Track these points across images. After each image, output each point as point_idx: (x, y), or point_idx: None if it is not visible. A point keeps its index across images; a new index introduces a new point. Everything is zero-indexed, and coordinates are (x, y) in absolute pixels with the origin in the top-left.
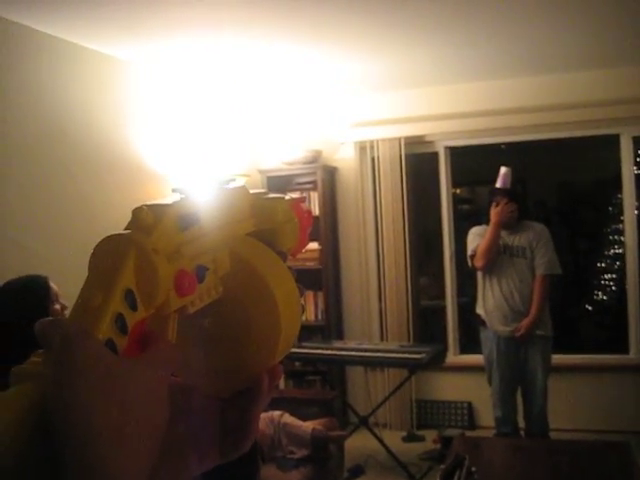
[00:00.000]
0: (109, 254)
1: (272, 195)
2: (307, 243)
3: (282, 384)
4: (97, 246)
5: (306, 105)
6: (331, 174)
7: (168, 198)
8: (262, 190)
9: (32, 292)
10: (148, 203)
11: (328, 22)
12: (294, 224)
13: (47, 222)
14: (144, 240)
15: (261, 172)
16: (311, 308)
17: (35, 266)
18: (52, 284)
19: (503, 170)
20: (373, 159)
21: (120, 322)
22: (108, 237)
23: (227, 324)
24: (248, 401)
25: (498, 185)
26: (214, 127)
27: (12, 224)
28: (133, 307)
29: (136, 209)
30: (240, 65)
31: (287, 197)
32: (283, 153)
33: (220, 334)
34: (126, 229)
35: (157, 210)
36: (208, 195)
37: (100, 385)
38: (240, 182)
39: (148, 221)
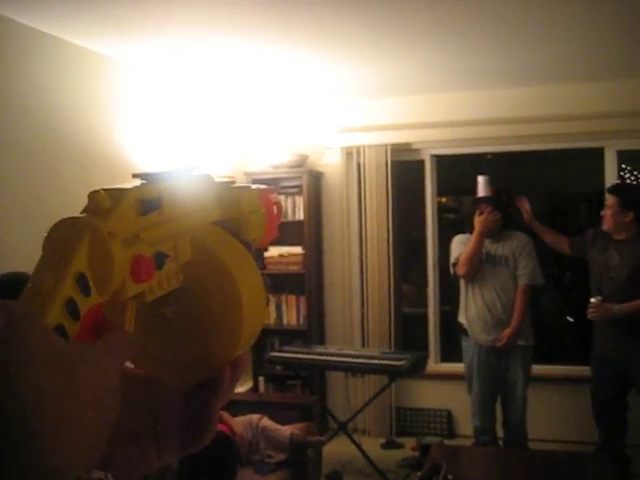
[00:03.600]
0: (62, 237)
1: (239, 184)
2: (275, 234)
3: (262, 388)
4: (51, 229)
5: (294, 109)
6: (317, 179)
7: (128, 183)
8: (229, 179)
9: (17, 290)
10: (106, 187)
11: (319, 27)
12: (261, 214)
13: (32, 219)
14: (99, 223)
15: (247, 174)
16: (293, 312)
17: (19, 264)
18: None
19: (480, 179)
20: (359, 165)
21: (71, 307)
22: (62, 220)
23: (189, 314)
24: (209, 394)
25: (479, 194)
26: (201, 128)
27: None
28: (86, 292)
29: (92, 192)
30: (229, 67)
31: (254, 187)
32: (269, 156)
33: (181, 324)
34: (82, 213)
35: (115, 194)
36: (171, 181)
37: (47, 368)
38: (205, 170)
39: (104, 204)
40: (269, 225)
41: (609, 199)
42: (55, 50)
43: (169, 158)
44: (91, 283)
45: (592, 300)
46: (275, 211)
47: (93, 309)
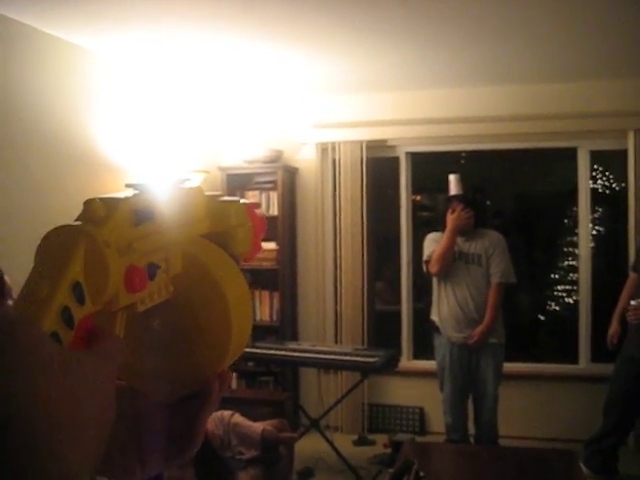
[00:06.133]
0: (57, 245)
1: (226, 198)
2: (260, 249)
3: (234, 384)
4: (45, 236)
5: (269, 104)
6: (291, 174)
7: (122, 193)
8: (217, 192)
9: None
10: (101, 196)
11: (295, 22)
12: (247, 228)
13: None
14: (95, 232)
15: (221, 169)
16: (266, 308)
17: None
18: (6, 278)
19: (452, 177)
20: (334, 161)
21: (66, 315)
22: (57, 228)
23: (177, 326)
24: (197, 407)
25: (451, 192)
26: (175, 122)
27: None
28: (80, 300)
29: (88, 201)
30: (204, 61)
31: (242, 201)
32: (244, 151)
33: (169, 337)
34: (76, 221)
35: (110, 203)
36: (163, 192)
37: (44, 374)
38: (195, 182)
39: (100, 213)
40: (254, 240)
41: None
42: (26, 39)
43: (143, 151)
44: (86, 292)
45: (632, 302)
46: (260, 226)
47: (86, 318)
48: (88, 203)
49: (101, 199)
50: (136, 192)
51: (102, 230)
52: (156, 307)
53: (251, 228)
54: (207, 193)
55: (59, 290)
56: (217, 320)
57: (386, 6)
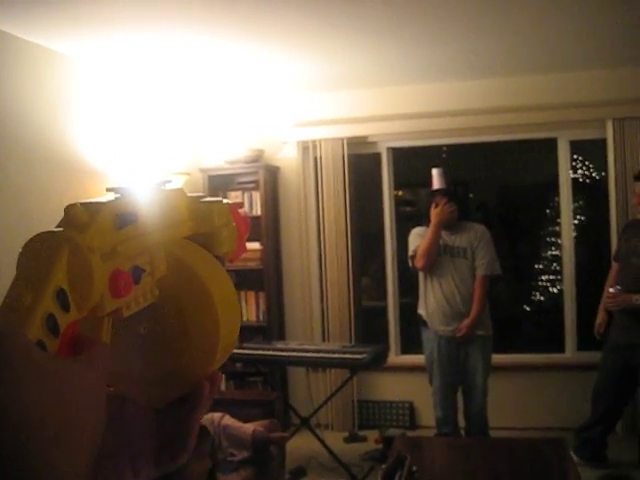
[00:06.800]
0: (40, 252)
1: (209, 199)
2: (245, 249)
3: (223, 385)
4: (27, 243)
5: (249, 104)
6: (273, 173)
7: (103, 197)
8: (199, 193)
9: None
10: (82, 201)
11: (273, 20)
12: (231, 228)
13: None
14: (78, 237)
15: (202, 171)
16: (252, 308)
17: None
18: None
19: (435, 171)
20: (316, 159)
21: (51, 323)
22: (39, 234)
23: (164, 329)
24: (187, 409)
25: (434, 187)
26: (155, 124)
27: None
28: (65, 307)
29: (69, 206)
30: (183, 62)
31: (224, 201)
32: (225, 152)
33: (157, 340)
34: (58, 227)
35: (92, 208)
36: (145, 195)
37: (33, 385)
38: (177, 184)
39: (82, 218)
40: (239, 240)
41: (637, 187)
42: (2, 44)
43: (123, 154)
44: (70, 298)
45: (610, 290)
46: (244, 226)
47: (71, 325)
48: (69, 208)
49: (82, 204)
50: (117, 196)
51: (85, 235)
52: (142, 311)
53: (235, 228)
54: (189, 194)
55: (43, 297)
56: (205, 321)
57: (365, 3)
